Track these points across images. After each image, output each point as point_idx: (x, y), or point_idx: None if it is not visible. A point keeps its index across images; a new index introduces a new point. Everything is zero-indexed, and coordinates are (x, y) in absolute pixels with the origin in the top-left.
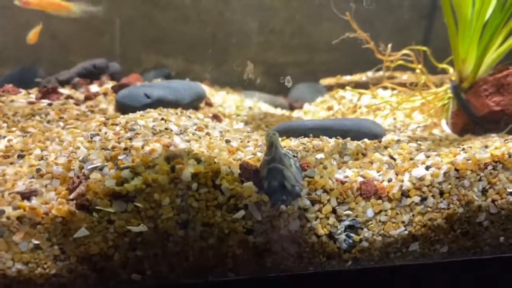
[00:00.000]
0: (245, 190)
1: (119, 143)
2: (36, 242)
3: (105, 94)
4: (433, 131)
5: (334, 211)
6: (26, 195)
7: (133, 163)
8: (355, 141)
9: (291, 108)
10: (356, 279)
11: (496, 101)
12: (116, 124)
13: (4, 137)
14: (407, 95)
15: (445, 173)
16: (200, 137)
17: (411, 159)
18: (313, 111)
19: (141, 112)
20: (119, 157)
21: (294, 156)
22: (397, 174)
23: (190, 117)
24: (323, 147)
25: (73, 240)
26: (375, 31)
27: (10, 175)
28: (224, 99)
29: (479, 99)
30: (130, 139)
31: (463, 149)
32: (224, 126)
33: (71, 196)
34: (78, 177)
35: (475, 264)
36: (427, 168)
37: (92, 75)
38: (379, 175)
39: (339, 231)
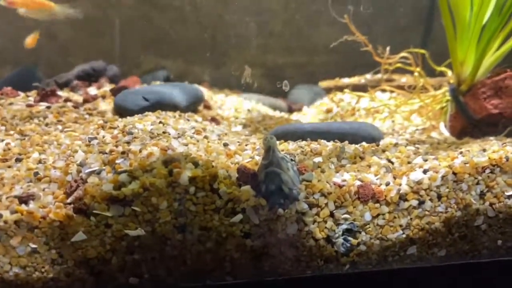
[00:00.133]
0: (243, 194)
1: (116, 146)
2: (34, 246)
3: (103, 96)
4: (431, 134)
5: (331, 214)
6: (24, 199)
7: (130, 167)
8: (353, 145)
9: (290, 110)
10: (354, 283)
11: (494, 104)
12: (114, 128)
13: (2, 140)
14: (405, 98)
15: (443, 177)
16: (198, 141)
17: (409, 162)
18: (312, 114)
19: (139, 115)
20: (117, 161)
21: (291, 159)
22: (395, 178)
23: (188, 120)
24: (321, 150)
25: (71, 244)
26: (373, 33)
27: (8, 179)
28: (222, 102)
29: (477, 102)
30: (128, 142)
31: (461, 152)
32: (222, 129)
33: (69, 200)
34: (75, 181)
35: (473, 267)
36: (425, 171)
37: (90, 78)
38: (377, 179)
39: (337, 235)
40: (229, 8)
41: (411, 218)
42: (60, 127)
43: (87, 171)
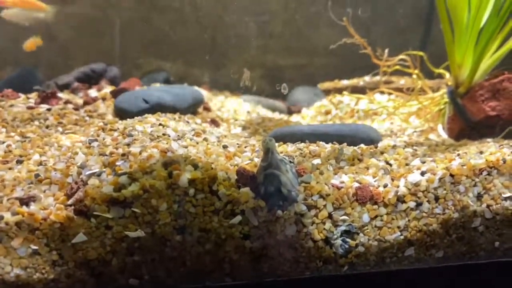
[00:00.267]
0: (242, 195)
1: (117, 149)
2: (35, 247)
3: (103, 99)
4: (429, 136)
5: (330, 216)
6: (25, 201)
7: (130, 169)
8: (352, 147)
9: (289, 112)
10: (352, 284)
11: (492, 106)
12: (114, 130)
13: (3, 142)
14: (404, 100)
15: (440, 179)
16: (197, 143)
17: (406, 164)
18: (311, 116)
19: (139, 117)
20: (117, 163)
21: (290, 161)
22: (392, 180)
23: (188, 122)
24: (319, 152)
25: (71, 246)
26: (372, 36)
27: (9, 181)
28: (222, 104)
29: (475, 104)
30: (128, 145)
31: (459, 154)
32: (222, 131)
33: (69, 202)
34: (76, 183)
35: (470, 269)
36: (423, 173)
37: (91, 80)
38: (375, 181)
39: (335, 236)
40: (229, 10)
41: (409, 220)
42: (60, 129)
43: (87, 173)
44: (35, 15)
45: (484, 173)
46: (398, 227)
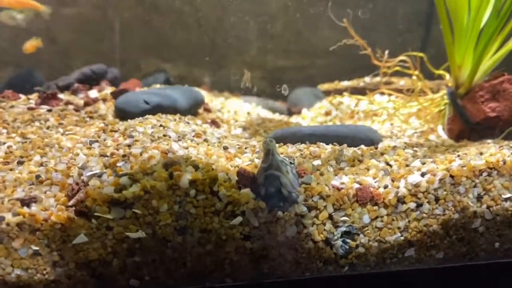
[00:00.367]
0: (243, 196)
1: (117, 150)
2: (36, 248)
3: (104, 100)
4: (429, 136)
5: (330, 217)
6: (26, 202)
7: (131, 170)
8: (352, 148)
9: (290, 113)
10: (353, 285)
11: (492, 107)
12: (115, 131)
13: (4, 143)
14: (404, 101)
15: (440, 180)
16: (198, 144)
17: (407, 165)
18: (311, 117)
19: (140, 118)
20: (118, 164)
21: (291, 163)
22: (393, 181)
23: (188, 123)
24: (320, 153)
25: (72, 246)
26: (373, 37)
27: (10, 182)
28: (222, 105)
29: (475, 105)
30: (129, 146)
31: (459, 155)
32: (222, 132)
33: (70, 203)
34: (77, 184)
35: (470, 269)
36: (423, 174)
37: (91, 81)
38: (375, 182)
39: (336, 237)
40: (229, 11)
41: (409, 221)
42: (61, 130)
43: (88, 174)
44: (19, 15)
45: (484, 174)
46: (399, 228)
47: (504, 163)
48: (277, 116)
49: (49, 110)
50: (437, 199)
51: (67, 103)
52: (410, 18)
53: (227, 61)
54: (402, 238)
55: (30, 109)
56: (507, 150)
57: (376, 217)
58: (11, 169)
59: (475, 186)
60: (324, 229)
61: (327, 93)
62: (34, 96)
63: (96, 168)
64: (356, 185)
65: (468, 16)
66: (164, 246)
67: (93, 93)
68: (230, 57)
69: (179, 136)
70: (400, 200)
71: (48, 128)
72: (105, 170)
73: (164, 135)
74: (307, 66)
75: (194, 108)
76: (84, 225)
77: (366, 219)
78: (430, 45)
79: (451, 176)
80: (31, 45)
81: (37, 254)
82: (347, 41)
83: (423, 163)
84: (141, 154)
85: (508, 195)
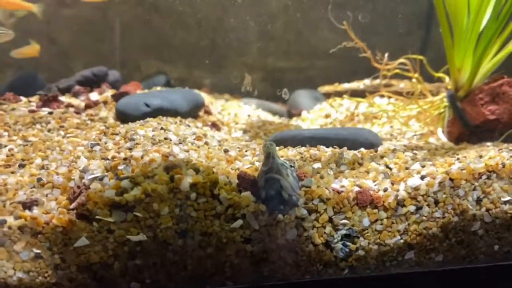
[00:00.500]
0: (243, 199)
1: (119, 153)
2: (37, 251)
3: (105, 102)
4: (429, 139)
5: (330, 220)
6: (27, 205)
7: (132, 173)
8: (352, 151)
9: (290, 115)
10: (353, 287)
11: (491, 110)
12: (116, 134)
13: (5, 146)
14: (403, 104)
15: (440, 183)
16: (198, 147)
17: (406, 168)
18: (311, 119)
19: (141, 121)
20: (119, 167)
21: (291, 166)
22: (392, 184)
23: (189, 125)
24: (320, 156)
25: (74, 249)
26: (373, 39)
27: (12, 185)
28: (223, 107)
29: (475, 108)
30: (130, 149)
31: (458, 158)
32: (223, 135)
33: (72, 206)
34: (78, 187)
35: (470, 272)
36: (422, 177)
37: (92, 83)
38: (375, 185)
39: (336, 240)
40: (229, 12)
41: (408, 224)
42: (62, 132)
43: (89, 177)
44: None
45: (484, 177)
46: (398, 231)
47: (503, 166)
48: (277, 118)
49: (50, 113)
50: (436, 202)
51: (68, 105)
52: (409, 20)
53: (227, 62)
54: (401, 241)
55: (31, 111)
56: (506, 153)
57: (376, 220)
58: (12, 172)
59: (474, 189)
60: (324, 232)
61: (327, 95)
62: (35, 99)
63: (97, 171)
64: (356, 188)
65: (468, 19)
66: (165, 249)
67: (94, 96)
68: (230, 58)
69: (180, 139)
70: (400, 203)
71: (49, 130)
72: (106, 173)
73: (165, 138)
74: (307, 67)
75: (194, 111)
76: (85, 228)
77: (366, 222)
78: (430, 47)
79: (451, 179)
80: (31, 49)
81: (39, 257)
82: (346, 43)
83: (423, 166)
84: (142, 157)
85: (507, 198)
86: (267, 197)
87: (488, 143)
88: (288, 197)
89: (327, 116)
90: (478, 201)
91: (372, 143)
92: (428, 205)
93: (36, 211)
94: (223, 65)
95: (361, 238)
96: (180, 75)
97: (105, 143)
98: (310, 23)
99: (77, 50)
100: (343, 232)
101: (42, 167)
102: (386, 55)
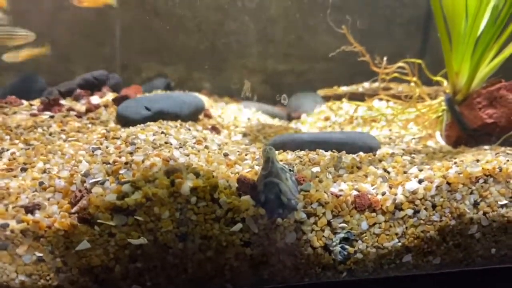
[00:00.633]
0: (243, 203)
1: (120, 157)
2: (39, 254)
3: (106, 106)
4: (427, 142)
5: (329, 223)
6: (30, 209)
7: (133, 177)
8: (350, 155)
9: (289, 118)
10: None
11: (489, 113)
12: (117, 138)
13: (7, 149)
14: (402, 107)
15: (437, 187)
16: (199, 151)
17: (404, 172)
18: (311, 122)
19: (142, 125)
20: (120, 172)
21: (290, 170)
22: (390, 188)
23: (189, 129)
24: (319, 160)
25: (75, 253)
26: (371, 43)
27: (14, 189)
28: (223, 110)
29: (473, 112)
30: (131, 153)
31: (455, 162)
32: (223, 138)
33: (73, 210)
34: (80, 191)
35: (467, 275)
36: (420, 181)
37: (93, 86)
38: (373, 189)
39: (334, 243)
40: (229, 16)
41: (406, 227)
42: (63, 136)
43: (91, 181)
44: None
45: (481, 181)
46: (396, 234)
47: (500, 170)
48: (276, 121)
49: (52, 116)
50: (434, 206)
51: (69, 109)
52: (408, 24)
53: (227, 65)
54: (399, 244)
55: (32, 115)
56: (503, 157)
57: (374, 224)
58: (15, 176)
59: (471, 193)
60: (323, 236)
61: (326, 98)
62: (36, 102)
63: (98, 176)
64: (355, 192)
65: (466, 23)
66: (165, 252)
67: (95, 99)
68: (230, 61)
69: (180, 143)
70: (398, 206)
71: (50, 134)
72: (107, 178)
73: (166, 142)
74: (307, 71)
75: (194, 114)
76: (87, 231)
77: (364, 225)
78: (428, 51)
79: (448, 183)
80: (32, 52)
81: (41, 260)
82: (345, 47)
83: (421, 170)
84: (143, 161)
85: (504, 201)
86: (267, 201)
87: (486, 147)
88: (287, 201)
89: (326, 119)
90: (475, 204)
91: (370, 147)
92: (425, 209)
93: (38, 215)
94: (223, 68)
95: (360, 241)
96: (180, 77)
97: (107, 147)
98: (310, 27)
99: (78, 53)
100: (342, 235)
101: (44, 171)
102: (385, 58)
